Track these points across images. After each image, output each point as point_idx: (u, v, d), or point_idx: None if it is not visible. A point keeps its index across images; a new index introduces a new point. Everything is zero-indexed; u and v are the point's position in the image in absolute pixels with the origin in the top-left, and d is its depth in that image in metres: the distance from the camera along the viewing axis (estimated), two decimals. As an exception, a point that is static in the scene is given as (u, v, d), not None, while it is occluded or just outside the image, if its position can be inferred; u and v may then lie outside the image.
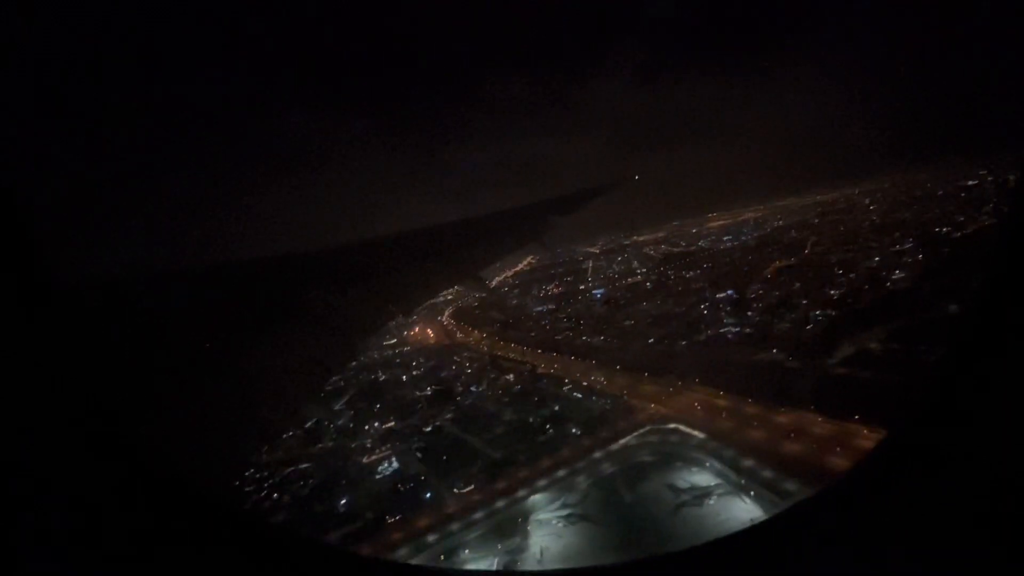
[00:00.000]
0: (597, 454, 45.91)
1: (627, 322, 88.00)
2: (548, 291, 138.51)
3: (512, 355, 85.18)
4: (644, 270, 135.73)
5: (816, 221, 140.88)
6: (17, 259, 2.91)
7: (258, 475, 58.73)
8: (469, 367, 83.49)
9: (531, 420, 56.55)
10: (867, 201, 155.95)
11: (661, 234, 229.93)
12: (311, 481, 54.42)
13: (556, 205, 19.31)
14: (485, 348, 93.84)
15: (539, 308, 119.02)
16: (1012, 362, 2.71)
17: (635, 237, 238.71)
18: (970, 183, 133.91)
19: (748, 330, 68.37)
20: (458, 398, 69.51)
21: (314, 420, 72.66)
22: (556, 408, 57.97)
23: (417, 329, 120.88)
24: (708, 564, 3.40)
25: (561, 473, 44.48)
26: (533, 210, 18.51)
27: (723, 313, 78.61)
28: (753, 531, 3.66)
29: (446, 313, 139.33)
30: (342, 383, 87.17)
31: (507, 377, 72.96)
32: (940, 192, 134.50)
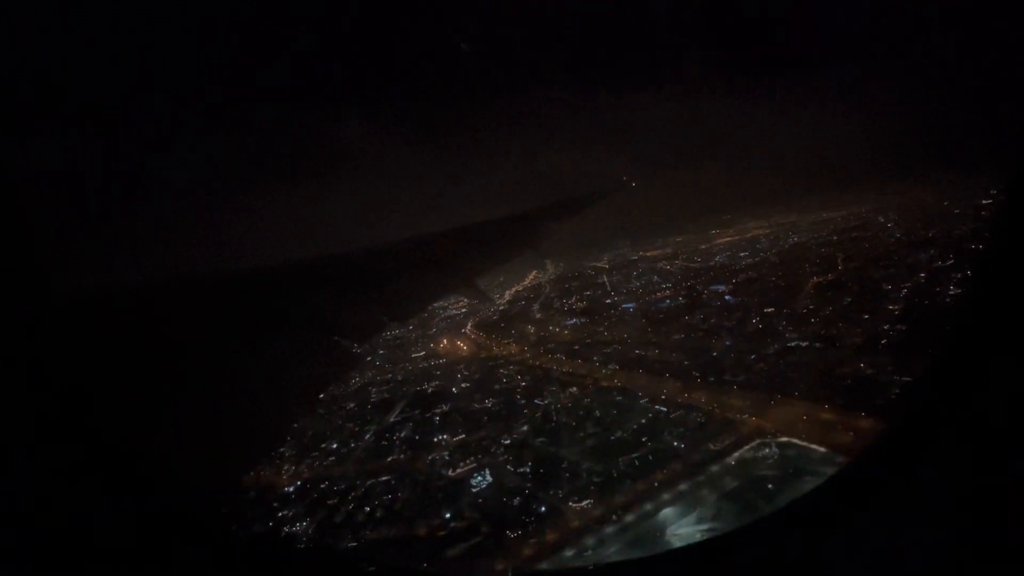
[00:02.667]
0: (714, 468, 45.31)
1: (676, 336, 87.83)
2: (571, 304, 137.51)
3: (565, 368, 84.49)
4: (669, 285, 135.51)
5: (835, 238, 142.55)
6: (15, 261, 2.91)
7: (335, 487, 57.06)
8: (522, 380, 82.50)
9: (620, 433, 55.70)
10: (881, 219, 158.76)
11: (668, 250, 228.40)
12: (400, 494, 52.80)
13: (550, 212, 19.06)
14: (532, 361, 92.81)
15: (571, 321, 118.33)
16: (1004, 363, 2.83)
17: (641, 252, 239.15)
18: (984, 202, 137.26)
19: (817, 344, 68.56)
20: (525, 410, 68.57)
21: (373, 431, 71.73)
22: (643, 421, 57.23)
23: (445, 341, 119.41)
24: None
25: (683, 487, 43.78)
26: (526, 218, 18.07)
27: (780, 327, 78.97)
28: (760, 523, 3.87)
29: (468, 325, 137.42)
30: (387, 394, 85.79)
31: (571, 390, 72.10)
32: (956, 211, 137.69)
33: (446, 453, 59.36)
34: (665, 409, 58.68)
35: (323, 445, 66.06)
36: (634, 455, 50.05)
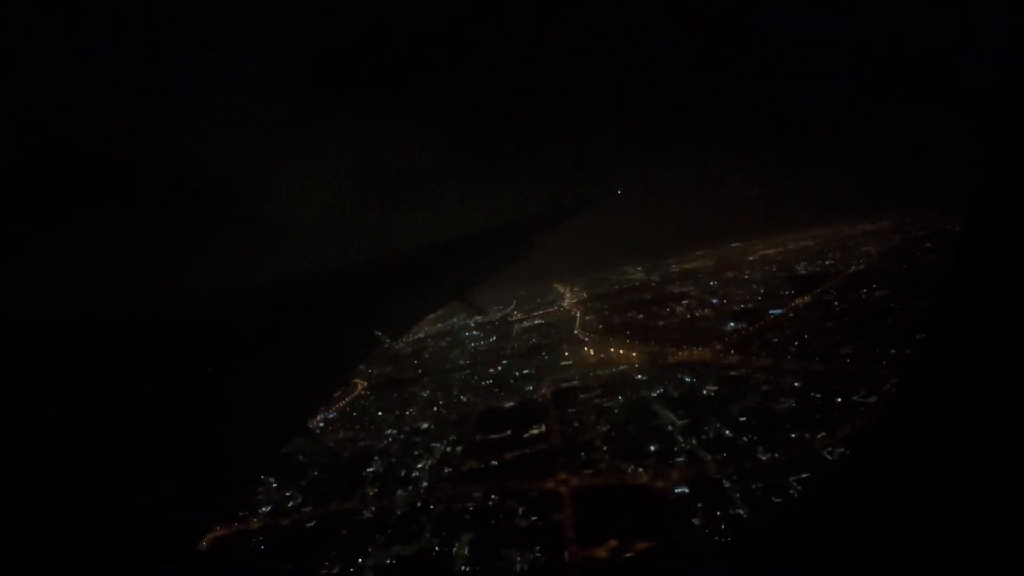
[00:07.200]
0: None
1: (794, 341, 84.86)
2: (658, 310, 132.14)
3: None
4: (762, 291, 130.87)
5: (929, 244, 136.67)
6: None
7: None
8: (690, 379, 78.62)
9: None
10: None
11: (710, 262, 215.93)
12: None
13: (537, 222, 19.19)
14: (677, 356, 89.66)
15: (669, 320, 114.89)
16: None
17: (673, 266, 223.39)
18: None
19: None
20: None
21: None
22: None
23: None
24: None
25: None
26: (514, 228, 18.34)
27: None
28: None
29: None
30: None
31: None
32: None
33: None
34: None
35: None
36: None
